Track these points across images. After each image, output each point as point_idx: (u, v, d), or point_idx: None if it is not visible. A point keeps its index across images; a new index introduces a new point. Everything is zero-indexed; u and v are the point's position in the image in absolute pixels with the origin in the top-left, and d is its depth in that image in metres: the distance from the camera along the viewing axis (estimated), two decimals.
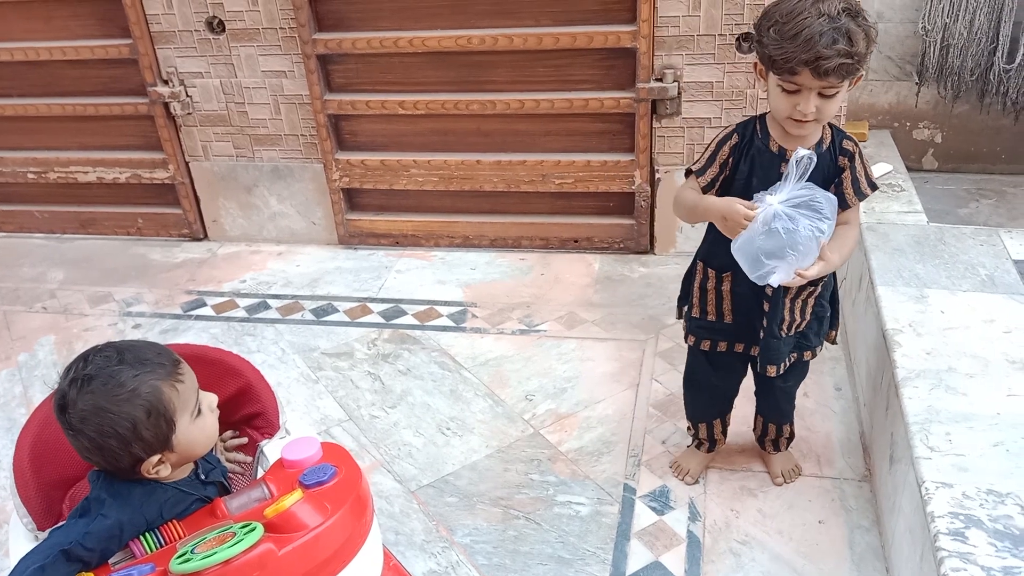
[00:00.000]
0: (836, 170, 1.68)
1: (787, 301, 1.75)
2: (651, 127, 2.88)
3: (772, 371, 1.81)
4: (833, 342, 1.90)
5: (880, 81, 3.19)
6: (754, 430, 2.07)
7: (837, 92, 1.55)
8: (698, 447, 2.06)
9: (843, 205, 1.67)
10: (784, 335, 1.78)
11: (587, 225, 3.12)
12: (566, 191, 3.07)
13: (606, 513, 1.97)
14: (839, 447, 2.11)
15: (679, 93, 2.80)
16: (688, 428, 2.06)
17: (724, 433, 2.04)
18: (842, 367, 2.40)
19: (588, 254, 3.13)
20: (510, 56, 2.91)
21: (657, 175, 2.95)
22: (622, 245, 3.11)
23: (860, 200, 1.68)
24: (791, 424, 2.01)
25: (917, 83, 3.13)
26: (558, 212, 3.15)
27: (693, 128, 2.85)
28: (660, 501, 1.99)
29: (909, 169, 2.88)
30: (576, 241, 3.15)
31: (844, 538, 1.85)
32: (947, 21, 2.94)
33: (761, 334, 1.79)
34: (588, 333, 2.65)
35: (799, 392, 2.26)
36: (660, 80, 2.79)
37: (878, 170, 2.76)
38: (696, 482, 2.03)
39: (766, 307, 1.75)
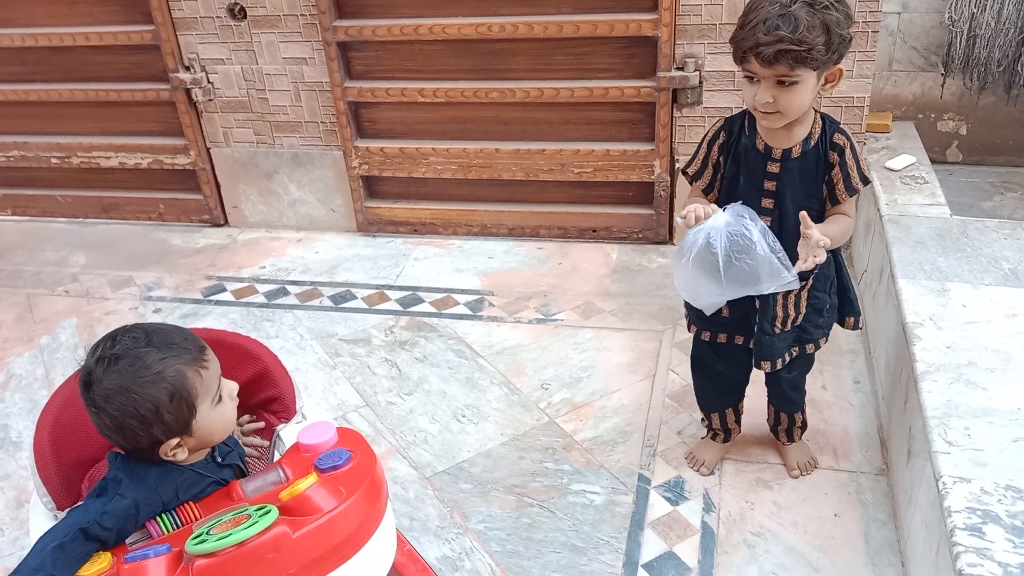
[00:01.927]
0: (826, 166, 1.65)
1: (779, 297, 1.74)
2: (671, 116, 2.86)
3: (767, 367, 1.80)
4: (853, 327, 1.87)
5: (904, 72, 3.15)
6: (767, 420, 2.06)
7: (796, 83, 1.52)
8: (713, 438, 2.05)
9: (833, 200, 1.67)
10: (779, 331, 1.77)
11: (605, 215, 3.11)
12: (585, 180, 3.06)
13: (620, 503, 1.97)
14: (856, 440, 2.10)
15: (700, 82, 2.78)
16: (702, 419, 2.06)
17: (738, 423, 2.03)
18: (861, 360, 2.38)
19: (606, 244, 3.12)
20: (530, 44, 2.90)
21: (677, 165, 2.94)
22: (640, 235, 3.09)
23: (851, 196, 1.66)
24: (803, 413, 2.00)
25: (943, 74, 3.09)
26: (576, 201, 3.14)
27: (714, 118, 2.83)
28: (675, 491, 1.99)
29: (933, 161, 2.84)
30: (594, 230, 3.14)
31: (860, 531, 1.84)
32: (974, 11, 2.90)
33: (755, 330, 1.78)
34: (605, 323, 2.65)
35: (816, 385, 2.25)
36: (681, 69, 2.77)
37: (901, 162, 2.73)
38: (711, 473, 2.02)
39: (757, 304, 1.75)
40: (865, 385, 2.29)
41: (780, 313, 1.76)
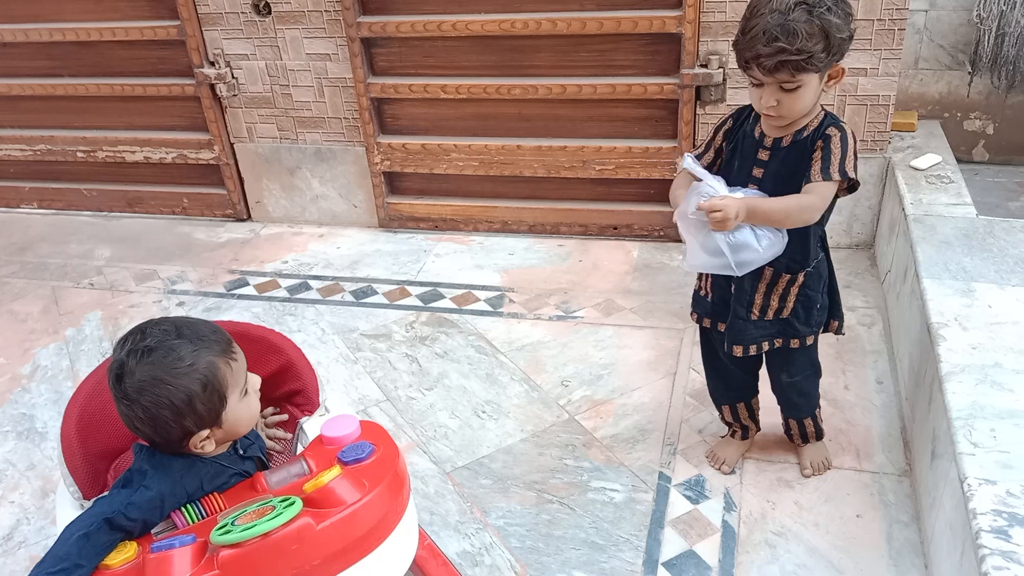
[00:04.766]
0: (812, 152, 1.63)
1: (762, 287, 1.74)
2: (695, 114, 2.85)
3: (738, 351, 1.80)
4: (836, 332, 1.86)
5: (931, 70, 3.12)
6: (782, 423, 2.04)
7: (798, 87, 1.53)
8: (732, 435, 2.04)
9: (805, 180, 1.61)
10: (756, 318, 1.77)
11: (627, 212, 3.11)
12: (606, 177, 3.05)
13: (640, 500, 1.96)
14: (879, 441, 2.08)
15: (724, 79, 2.77)
16: (722, 416, 2.05)
17: (753, 420, 2.02)
18: (884, 360, 2.36)
19: (627, 241, 3.11)
20: (553, 40, 2.89)
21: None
22: (662, 233, 3.08)
23: (824, 180, 1.59)
24: (813, 419, 1.97)
25: (970, 72, 3.05)
26: (598, 198, 3.14)
27: None
28: (695, 490, 1.98)
29: (959, 161, 2.82)
30: (615, 228, 3.14)
31: (882, 532, 1.83)
32: (1003, 8, 2.86)
33: (730, 314, 1.79)
34: (625, 320, 2.64)
35: (839, 385, 2.24)
36: (705, 66, 2.76)
37: (926, 161, 2.70)
38: (732, 472, 2.01)
39: (732, 289, 1.76)
40: (888, 385, 2.27)
41: (759, 301, 1.76)
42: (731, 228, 1.57)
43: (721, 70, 2.75)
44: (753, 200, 1.59)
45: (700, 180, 1.61)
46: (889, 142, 2.79)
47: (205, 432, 1.27)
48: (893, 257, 2.52)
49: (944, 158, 2.75)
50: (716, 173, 1.76)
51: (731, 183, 1.70)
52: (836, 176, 1.59)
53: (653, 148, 2.95)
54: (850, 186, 1.63)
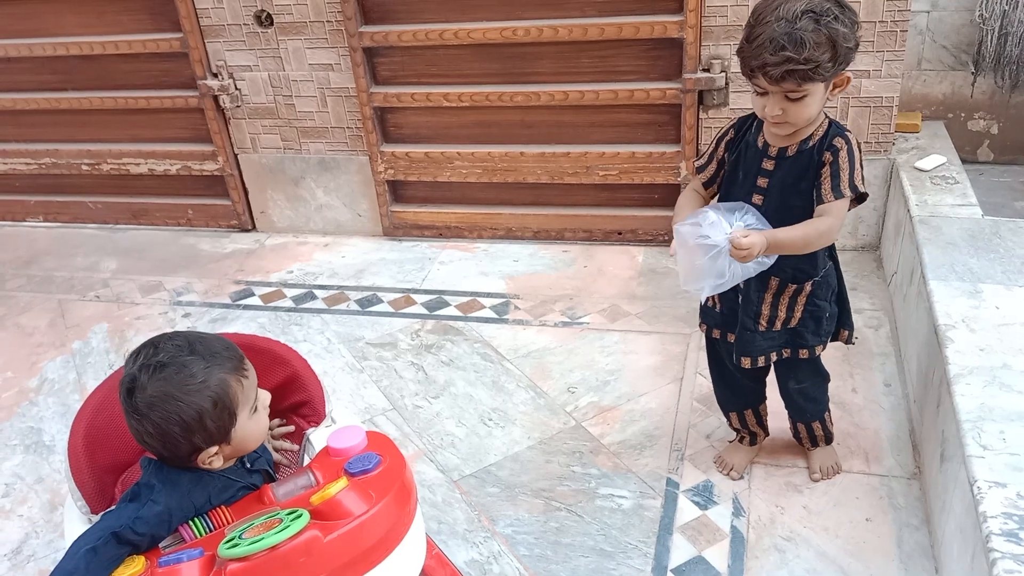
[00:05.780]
0: (819, 165, 1.62)
1: (768, 296, 1.73)
2: (697, 118, 2.85)
3: (746, 363, 1.79)
4: (847, 342, 1.85)
5: (934, 71, 3.11)
6: (790, 427, 2.04)
7: (804, 96, 1.53)
8: (740, 441, 2.04)
9: (818, 199, 1.61)
10: (763, 329, 1.76)
11: (631, 217, 3.10)
12: (610, 183, 3.05)
13: (648, 507, 1.96)
14: (888, 444, 2.07)
15: (727, 84, 2.77)
16: (728, 422, 2.04)
17: (761, 426, 2.01)
18: (892, 363, 2.35)
19: (632, 246, 3.11)
20: (555, 47, 2.90)
21: None
22: (666, 237, 3.08)
23: (836, 198, 1.59)
24: (821, 423, 1.96)
25: (973, 73, 3.05)
26: (602, 204, 3.14)
27: None
28: (703, 496, 1.97)
29: (963, 161, 2.81)
30: (620, 233, 3.13)
31: (892, 536, 1.82)
32: (1006, 8, 2.86)
33: (737, 325, 1.79)
34: (631, 326, 2.64)
35: (847, 388, 2.23)
36: (707, 71, 2.76)
37: (931, 162, 2.69)
38: (741, 477, 2.00)
39: (740, 300, 1.75)
40: (896, 388, 2.26)
41: (766, 312, 1.75)
42: (750, 260, 1.55)
43: (723, 74, 2.74)
44: (773, 233, 1.57)
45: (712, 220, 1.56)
46: (893, 143, 2.79)
47: (214, 448, 1.27)
48: (899, 259, 2.51)
49: (949, 159, 2.74)
50: (719, 184, 1.75)
51: (736, 194, 1.70)
52: (848, 193, 1.59)
53: (656, 153, 2.95)
54: (859, 197, 1.63)
